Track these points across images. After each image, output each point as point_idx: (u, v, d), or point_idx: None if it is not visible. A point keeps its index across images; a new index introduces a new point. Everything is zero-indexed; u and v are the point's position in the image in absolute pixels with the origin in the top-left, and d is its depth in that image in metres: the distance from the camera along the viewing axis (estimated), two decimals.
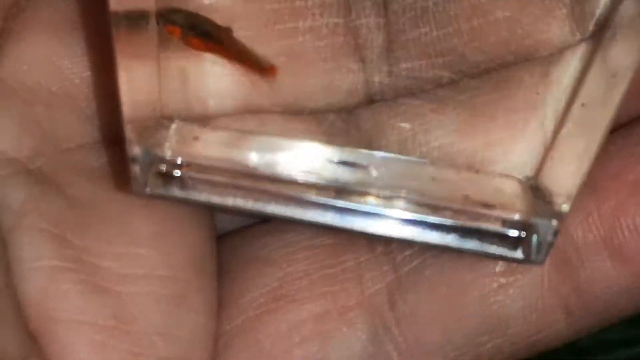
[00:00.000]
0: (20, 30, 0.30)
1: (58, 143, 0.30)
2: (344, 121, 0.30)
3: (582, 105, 0.28)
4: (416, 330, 0.31)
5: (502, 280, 0.30)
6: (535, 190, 0.29)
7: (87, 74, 0.30)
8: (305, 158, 0.29)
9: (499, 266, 0.31)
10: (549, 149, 0.29)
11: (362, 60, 0.30)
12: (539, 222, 0.29)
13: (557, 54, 0.29)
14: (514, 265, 0.30)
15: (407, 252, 0.31)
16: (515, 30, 0.29)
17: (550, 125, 0.29)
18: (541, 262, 0.29)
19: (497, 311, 0.31)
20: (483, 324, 0.31)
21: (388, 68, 0.30)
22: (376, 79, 0.30)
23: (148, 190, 0.29)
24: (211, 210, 0.32)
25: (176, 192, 0.29)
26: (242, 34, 0.29)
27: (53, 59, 0.30)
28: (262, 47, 0.29)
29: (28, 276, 0.29)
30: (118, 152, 0.29)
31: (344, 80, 0.30)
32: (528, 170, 0.30)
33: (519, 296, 0.30)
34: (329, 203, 0.29)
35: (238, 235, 0.33)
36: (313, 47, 0.29)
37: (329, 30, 0.29)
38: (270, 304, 0.31)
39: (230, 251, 0.32)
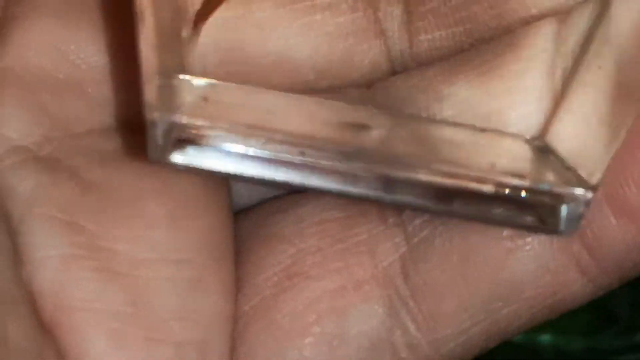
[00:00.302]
0: (25, 16, 0.29)
1: (67, 129, 0.30)
2: (362, 96, 0.30)
3: (599, 67, 0.27)
4: (431, 300, 0.31)
5: (511, 244, 0.30)
6: (556, 156, 0.28)
7: (95, 59, 0.30)
8: (318, 119, 0.28)
9: (507, 230, 0.30)
10: (559, 111, 0.29)
11: (383, 33, 0.29)
12: (569, 191, 0.28)
13: (567, 11, 0.29)
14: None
15: (417, 221, 0.31)
16: None
17: (560, 88, 0.29)
18: (570, 235, 0.29)
19: (509, 276, 0.30)
20: (496, 290, 0.30)
21: (408, 40, 0.29)
22: (397, 51, 0.29)
23: (163, 158, 0.27)
24: (228, 188, 0.31)
25: (192, 160, 0.28)
26: (259, 14, 0.28)
27: (59, 45, 0.29)
28: (280, 28, 0.28)
29: (41, 266, 0.28)
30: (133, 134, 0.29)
31: (365, 55, 0.29)
32: (541, 134, 0.29)
33: (529, 259, 0.30)
34: (347, 171, 0.28)
35: (253, 213, 0.32)
36: (332, 24, 0.29)
37: (348, 6, 0.29)
38: (285, 282, 0.31)
39: (245, 229, 0.32)
